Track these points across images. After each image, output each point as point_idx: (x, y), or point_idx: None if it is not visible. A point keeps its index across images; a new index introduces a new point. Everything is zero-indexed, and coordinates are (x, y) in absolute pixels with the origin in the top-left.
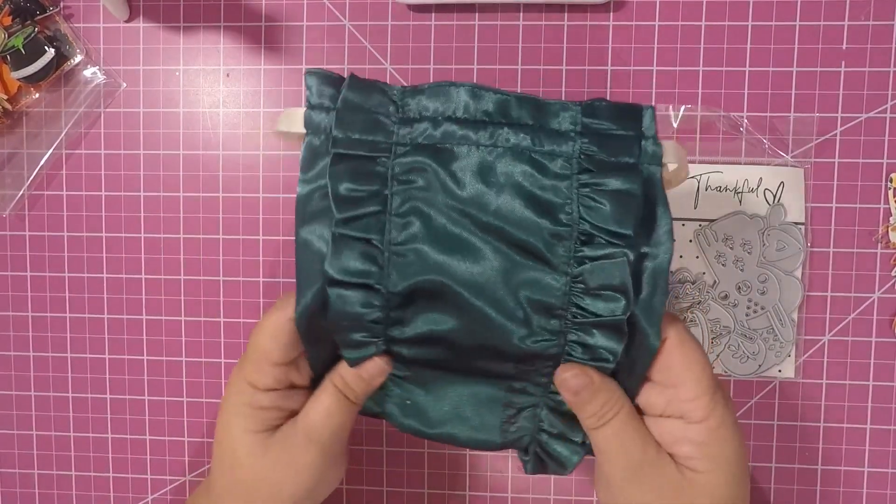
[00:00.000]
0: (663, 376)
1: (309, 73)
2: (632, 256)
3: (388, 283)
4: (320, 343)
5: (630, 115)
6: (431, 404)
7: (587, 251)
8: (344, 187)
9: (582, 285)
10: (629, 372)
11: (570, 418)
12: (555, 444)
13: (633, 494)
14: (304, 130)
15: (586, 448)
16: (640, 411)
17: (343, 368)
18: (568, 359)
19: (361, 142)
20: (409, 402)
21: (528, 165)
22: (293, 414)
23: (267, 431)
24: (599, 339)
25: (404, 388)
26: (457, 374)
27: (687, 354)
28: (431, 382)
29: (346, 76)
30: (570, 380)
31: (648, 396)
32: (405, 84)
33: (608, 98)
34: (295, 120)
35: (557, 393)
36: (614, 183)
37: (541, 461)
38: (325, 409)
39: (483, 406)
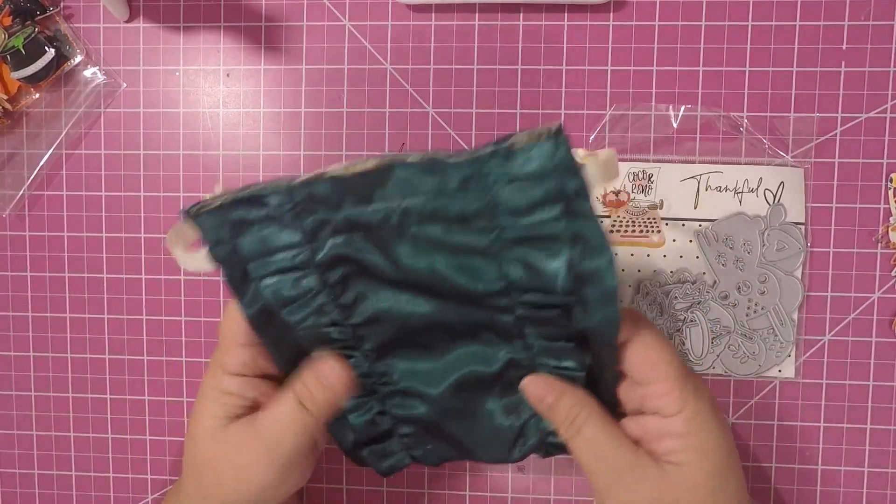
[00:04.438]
0: (632, 375)
1: (193, 218)
2: (571, 303)
3: (361, 348)
4: (281, 341)
5: (539, 146)
6: (441, 450)
7: (528, 298)
8: (292, 311)
9: (531, 328)
10: (599, 372)
11: None
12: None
13: (617, 500)
14: (209, 268)
15: None
16: (621, 413)
17: (305, 375)
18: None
19: (279, 264)
20: (429, 447)
21: (448, 229)
22: (257, 406)
23: (227, 419)
24: (563, 361)
25: (419, 440)
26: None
27: (649, 353)
28: (438, 432)
29: (221, 194)
30: (529, 386)
31: (625, 394)
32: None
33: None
34: (195, 259)
35: None
36: (539, 242)
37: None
38: (281, 419)
39: (493, 430)
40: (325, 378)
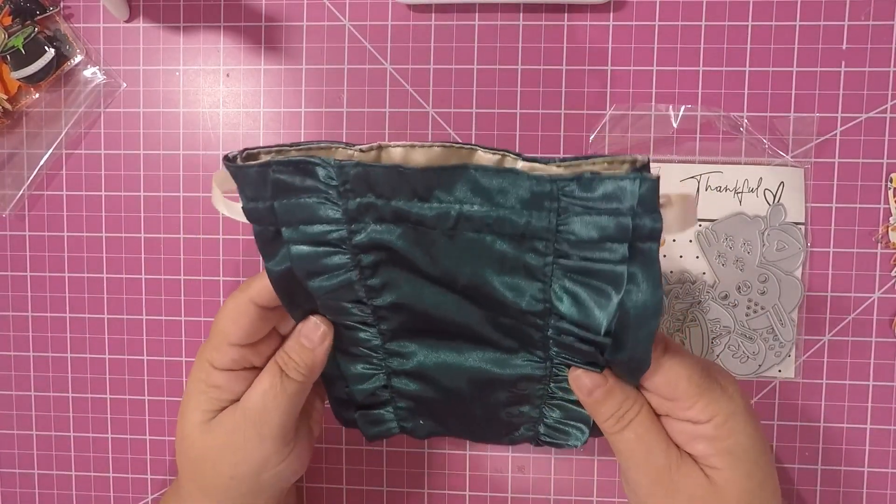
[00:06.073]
0: (655, 393)
1: (233, 169)
2: (608, 344)
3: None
4: (300, 302)
5: (619, 189)
6: (432, 426)
7: (565, 327)
8: (317, 282)
9: (558, 348)
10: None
11: (566, 423)
12: (557, 438)
13: (662, 501)
14: (244, 219)
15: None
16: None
17: (286, 344)
18: (556, 379)
19: (314, 235)
20: (421, 422)
21: (504, 242)
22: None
23: (216, 410)
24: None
25: (413, 415)
26: (454, 399)
27: (667, 374)
28: (435, 411)
29: (268, 155)
30: (582, 377)
31: (653, 401)
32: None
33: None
34: (234, 209)
35: (552, 409)
36: (593, 278)
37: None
38: (263, 388)
39: (488, 420)
40: (307, 337)
